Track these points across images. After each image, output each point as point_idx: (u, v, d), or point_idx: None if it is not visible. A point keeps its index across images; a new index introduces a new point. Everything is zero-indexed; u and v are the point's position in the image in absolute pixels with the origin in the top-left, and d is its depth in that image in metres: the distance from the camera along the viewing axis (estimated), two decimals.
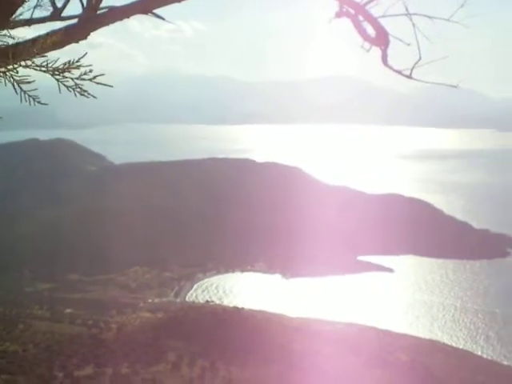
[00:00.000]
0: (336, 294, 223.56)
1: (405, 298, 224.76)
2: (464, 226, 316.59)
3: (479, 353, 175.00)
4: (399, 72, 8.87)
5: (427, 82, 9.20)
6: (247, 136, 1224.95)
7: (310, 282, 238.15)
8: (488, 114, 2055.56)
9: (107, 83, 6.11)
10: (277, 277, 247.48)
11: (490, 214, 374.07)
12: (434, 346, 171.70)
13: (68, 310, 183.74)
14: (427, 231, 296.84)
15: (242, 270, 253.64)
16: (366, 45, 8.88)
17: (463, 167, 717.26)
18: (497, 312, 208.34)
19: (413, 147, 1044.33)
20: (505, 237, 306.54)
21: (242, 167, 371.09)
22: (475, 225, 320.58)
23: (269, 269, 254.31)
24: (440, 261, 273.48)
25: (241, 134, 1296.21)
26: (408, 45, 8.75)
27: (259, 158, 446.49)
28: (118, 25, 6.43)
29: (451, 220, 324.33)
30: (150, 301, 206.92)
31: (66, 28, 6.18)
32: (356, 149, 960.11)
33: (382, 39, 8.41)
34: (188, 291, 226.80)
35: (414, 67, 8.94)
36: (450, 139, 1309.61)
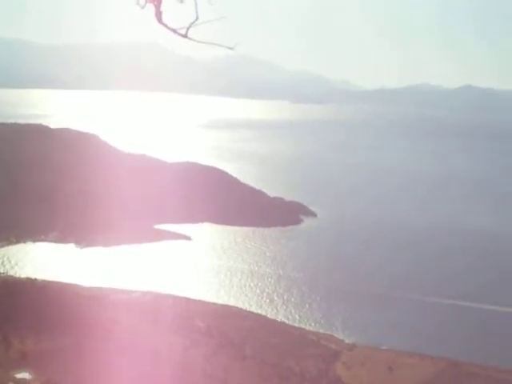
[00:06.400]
0: (132, 263, 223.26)
1: (201, 265, 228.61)
2: (259, 194, 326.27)
3: (269, 315, 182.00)
4: (174, 30, 8.66)
5: (202, 42, 9.09)
6: (46, 101, 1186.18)
7: (106, 251, 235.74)
8: (283, 85, 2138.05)
9: None
10: (71, 246, 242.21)
11: (283, 182, 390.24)
12: (228, 311, 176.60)
13: None
14: (223, 199, 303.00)
15: (35, 240, 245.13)
16: (142, 2, 8.60)
17: (257, 137, 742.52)
18: (281, 276, 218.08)
19: (210, 116, 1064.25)
20: (298, 205, 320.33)
21: (34, 133, 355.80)
22: (269, 193, 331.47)
23: (63, 238, 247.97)
24: (236, 228, 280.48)
25: (39, 99, 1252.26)
26: (181, 2, 8.52)
27: (55, 123, 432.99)
28: None
29: (247, 188, 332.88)
30: None
31: None
32: (157, 116, 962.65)
33: None
34: None
35: (190, 26, 8.75)
36: (246, 109, 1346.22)
